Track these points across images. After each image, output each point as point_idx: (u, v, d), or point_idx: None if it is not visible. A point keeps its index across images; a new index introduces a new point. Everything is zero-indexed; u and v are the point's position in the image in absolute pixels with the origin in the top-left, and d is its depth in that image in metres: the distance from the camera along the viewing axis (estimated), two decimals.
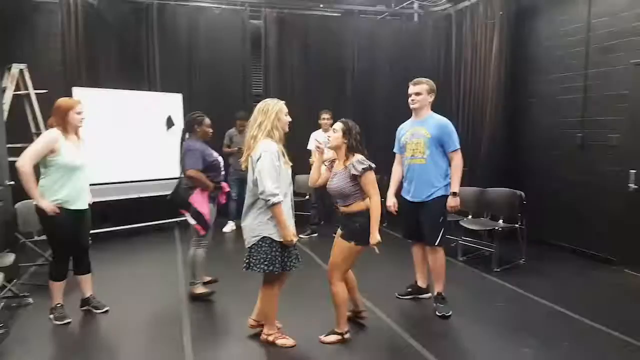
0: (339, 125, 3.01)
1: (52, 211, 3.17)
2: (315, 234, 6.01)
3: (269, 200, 2.70)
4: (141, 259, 4.92)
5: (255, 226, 2.80)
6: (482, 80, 6.32)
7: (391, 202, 3.70)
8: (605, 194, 4.89)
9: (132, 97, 5.83)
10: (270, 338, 2.96)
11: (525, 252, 4.89)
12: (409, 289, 3.90)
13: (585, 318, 3.46)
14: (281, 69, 6.79)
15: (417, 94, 3.62)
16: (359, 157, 2.94)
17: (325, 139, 5.53)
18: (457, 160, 3.61)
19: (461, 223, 4.99)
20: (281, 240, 2.79)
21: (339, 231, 3.08)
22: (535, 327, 3.32)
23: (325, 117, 5.80)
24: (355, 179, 2.89)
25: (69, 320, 3.35)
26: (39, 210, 3.22)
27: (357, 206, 2.96)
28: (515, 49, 6.07)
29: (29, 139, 5.54)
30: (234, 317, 3.48)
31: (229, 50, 6.69)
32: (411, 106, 3.67)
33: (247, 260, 2.85)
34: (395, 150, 3.88)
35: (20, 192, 4.38)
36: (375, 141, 7.02)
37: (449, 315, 3.47)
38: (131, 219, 5.94)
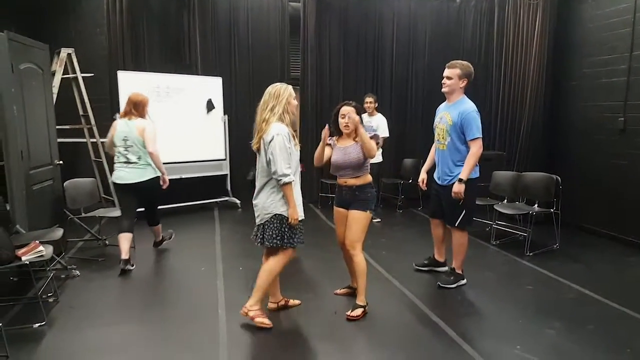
0: (350, 109, 3.19)
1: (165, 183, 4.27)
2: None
3: (280, 179, 2.84)
4: (181, 237, 5.20)
5: (268, 204, 2.95)
6: (524, 62, 6.21)
7: (422, 178, 3.93)
8: None
9: (174, 81, 6.06)
10: (251, 314, 3.04)
11: (560, 237, 4.88)
12: (426, 261, 4.13)
13: (614, 302, 3.49)
14: (320, 51, 6.83)
15: (448, 77, 3.66)
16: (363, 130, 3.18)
17: (369, 122, 5.70)
18: (475, 148, 3.58)
19: (495, 207, 5.01)
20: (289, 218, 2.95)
21: (340, 208, 3.30)
22: (561, 310, 3.38)
23: (369, 100, 5.92)
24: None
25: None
26: (159, 183, 4.24)
27: (368, 177, 3.23)
28: (558, 31, 5.95)
29: (76, 120, 5.96)
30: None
31: (268, 33, 6.79)
32: (443, 89, 3.74)
33: (260, 236, 3.01)
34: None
35: (68, 171, 4.74)
36: (414, 122, 7.08)
37: (447, 287, 3.69)
38: (172, 199, 6.16)
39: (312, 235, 3.46)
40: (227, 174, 6.54)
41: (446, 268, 4.05)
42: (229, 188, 6.67)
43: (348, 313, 3.19)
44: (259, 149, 2.98)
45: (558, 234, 4.87)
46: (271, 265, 3.06)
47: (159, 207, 4.67)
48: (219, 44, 6.64)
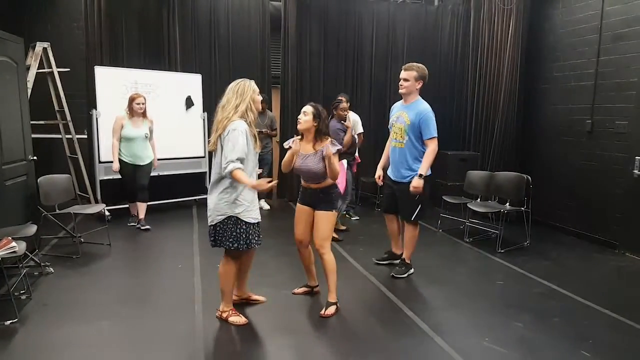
0: (309, 109, 3.16)
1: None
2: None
3: (227, 166, 2.72)
4: (159, 235, 5.17)
5: (221, 206, 2.85)
6: (498, 65, 6.38)
7: (379, 174, 4.09)
8: (611, 180, 4.99)
9: (153, 77, 6.01)
10: (224, 315, 3.07)
11: (530, 235, 5.04)
12: (385, 255, 4.31)
13: (579, 297, 3.64)
14: (300, 51, 6.88)
15: (405, 79, 3.80)
16: (329, 140, 3.16)
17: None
18: (433, 146, 3.77)
19: (469, 205, 5.15)
20: (247, 220, 2.88)
21: (307, 207, 3.31)
22: (530, 304, 3.51)
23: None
24: (323, 160, 3.14)
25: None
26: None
27: (329, 181, 3.24)
28: (531, 35, 6.14)
29: (51, 116, 5.86)
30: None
31: (249, 31, 6.79)
32: (399, 91, 3.88)
33: (212, 237, 2.94)
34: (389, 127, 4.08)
35: (43, 167, 4.67)
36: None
37: (400, 277, 3.90)
38: (150, 196, 6.09)
39: (292, 233, 3.49)
40: (206, 172, 6.52)
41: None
42: (207, 186, 6.64)
43: (321, 313, 3.22)
44: (213, 149, 2.89)
45: (528, 231, 5.03)
46: (226, 269, 3.03)
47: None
48: (199, 41, 6.61)
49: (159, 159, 5.55)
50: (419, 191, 3.73)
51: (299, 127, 3.19)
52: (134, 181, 5.25)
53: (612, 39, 4.97)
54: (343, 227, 5.44)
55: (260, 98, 3.02)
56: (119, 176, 5.36)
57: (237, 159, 2.76)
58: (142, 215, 5.34)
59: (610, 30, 4.99)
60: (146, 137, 5.25)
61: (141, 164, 5.25)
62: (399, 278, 3.93)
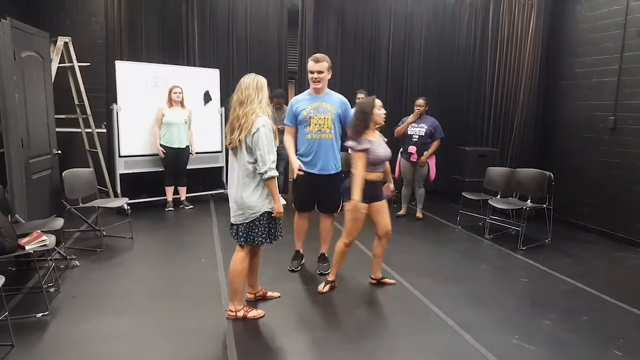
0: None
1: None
2: None
3: (266, 173, 2.76)
4: (179, 229, 5.20)
5: (255, 203, 2.85)
6: (517, 60, 6.32)
7: (299, 164, 3.71)
8: (634, 178, 4.94)
9: (171, 71, 6.03)
10: (240, 314, 3.03)
11: (551, 232, 5.01)
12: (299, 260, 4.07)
13: (605, 295, 3.63)
14: (317, 46, 6.85)
15: (320, 72, 3.67)
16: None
17: None
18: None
19: (490, 202, 5.13)
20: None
21: (377, 202, 3.43)
22: (556, 302, 3.50)
23: (360, 96, 5.99)
24: None
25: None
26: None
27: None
28: (552, 30, 6.07)
29: (70, 110, 5.90)
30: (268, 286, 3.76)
31: (267, 26, 6.79)
32: (314, 85, 3.71)
33: (243, 235, 2.90)
34: (288, 122, 3.83)
35: (66, 161, 4.71)
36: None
37: (329, 273, 3.69)
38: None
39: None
40: (223, 166, 6.53)
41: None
42: (224, 180, 6.67)
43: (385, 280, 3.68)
44: (235, 147, 2.85)
45: (550, 229, 5.00)
46: (243, 266, 3.00)
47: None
48: (217, 36, 6.61)
49: None
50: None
51: (383, 120, 3.36)
52: (174, 166, 5.81)
53: (637, 34, 4.90)
54: None
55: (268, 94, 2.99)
56: (138, 170, 5.56)
57: (273, 162, 2.81)
58: (183, 197, 6.03)
59: (636, 25, 4.92)
60: (186, 122, 5.80)
61: (182, 147, 5.79)
62: (326, 274, 3.76)
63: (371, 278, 3.72)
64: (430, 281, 3.85)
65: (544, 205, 4.94)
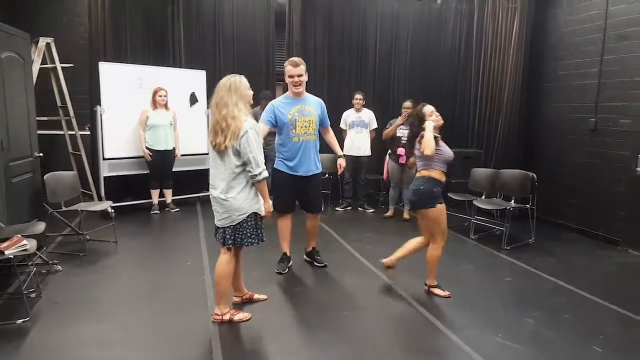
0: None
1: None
2: (350, 207, 6.44)
3: (258, 175, 2.79)
4: (165, 232, 5.13)
5: (240, 204, 2.84)
6: (501, 63, 6.42)
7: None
8: (614, 178, 5.05)
9: (157, 73, 5.96)
10: (226, 317, 3.01)
11: (535, 232, 5.08)
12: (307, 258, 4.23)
13: (586, 293, 3.69)
14: (305, 47, 6.86)
15: (300, 75, 3.70)
16: None
17: (359, 117, 6.16)
18: (331, 131, 4.08)
19: (474, 203, 5.19)
20: (262, 213, 2.95)
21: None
22: (539, 300, 3.55)
23: (358, 97, 6.21)
24: None
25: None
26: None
27: None
28: (535, 34, 6.18)
29: (54, 112, 5.80)
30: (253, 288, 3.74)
31: (253, 27, 6.75)
32: (295, 89, 3.72)
33: (231, 238, 2.90)
34: (265, 122, 3.74)
35: (48, 164, 4.62)
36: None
37: (325, 265, 3.99)
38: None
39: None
40: (209, 169, 6.47)
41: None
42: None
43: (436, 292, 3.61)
44: (221, 150, 2.82)
45: (533, 228, 5.08)
46: (229, 268, 2.99)
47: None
48: (203, 37, 6.56)
49: None
50: (342, 169, 3.98)
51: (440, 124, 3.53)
52: (160, 168, 5.78)
53: (616, 38, 5.02)
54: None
55: (251, 93, 2.94)
56: (122, 173, 5.50)
57: (263, 162, 2.84)
58: (169, 200, 5.97)
59: (614, 29, 5.03)
60: (171, 124, 5.79)
61: (168, 148, 5.77)
62: (324, 266, 4.04)
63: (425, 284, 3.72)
64: (416, 281, 3.87)
65: (528, 206, 5.01)
